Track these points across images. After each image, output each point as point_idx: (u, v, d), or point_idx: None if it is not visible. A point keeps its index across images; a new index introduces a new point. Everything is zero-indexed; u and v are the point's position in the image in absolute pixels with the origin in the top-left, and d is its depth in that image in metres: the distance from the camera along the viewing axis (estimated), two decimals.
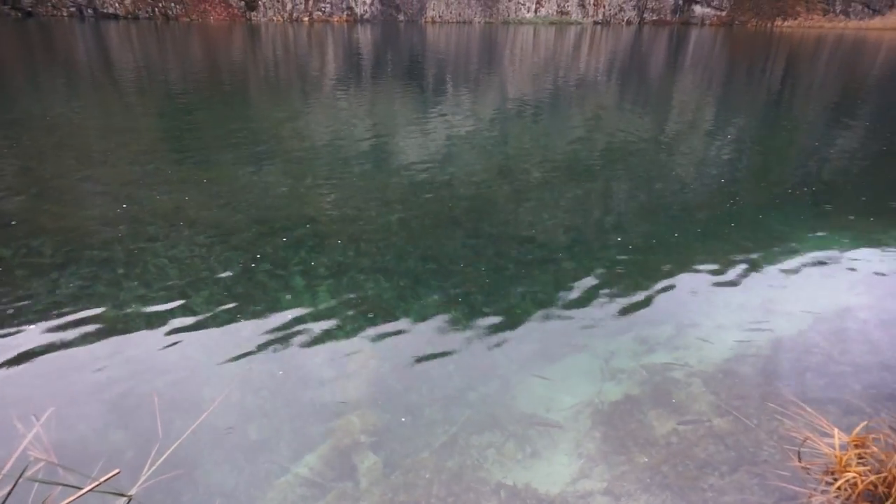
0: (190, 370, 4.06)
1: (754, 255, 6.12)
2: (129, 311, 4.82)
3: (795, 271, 5.77)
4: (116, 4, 54.59)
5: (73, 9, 54.24)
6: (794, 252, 6.22)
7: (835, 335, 4.61)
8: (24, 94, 14.81)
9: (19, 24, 43.52)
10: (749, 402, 3.76)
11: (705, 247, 6.34)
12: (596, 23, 67.49)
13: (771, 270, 5.78)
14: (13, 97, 14.29)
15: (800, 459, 3.24)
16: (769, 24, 68.96)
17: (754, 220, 7.13)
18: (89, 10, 54.47)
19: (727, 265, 5.88)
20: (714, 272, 5.73)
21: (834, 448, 3.09)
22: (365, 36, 41.38)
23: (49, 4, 53.59)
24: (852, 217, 7.29)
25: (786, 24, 68.60)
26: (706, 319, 4.86)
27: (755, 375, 4.06)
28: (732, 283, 5.51)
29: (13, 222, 6.55)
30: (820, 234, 6.74)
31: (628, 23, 68.61)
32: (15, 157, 8.97)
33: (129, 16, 54.92)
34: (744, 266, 5.87)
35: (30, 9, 52.92)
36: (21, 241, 6.08)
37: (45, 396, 3.74)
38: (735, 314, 4.93)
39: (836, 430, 3.17)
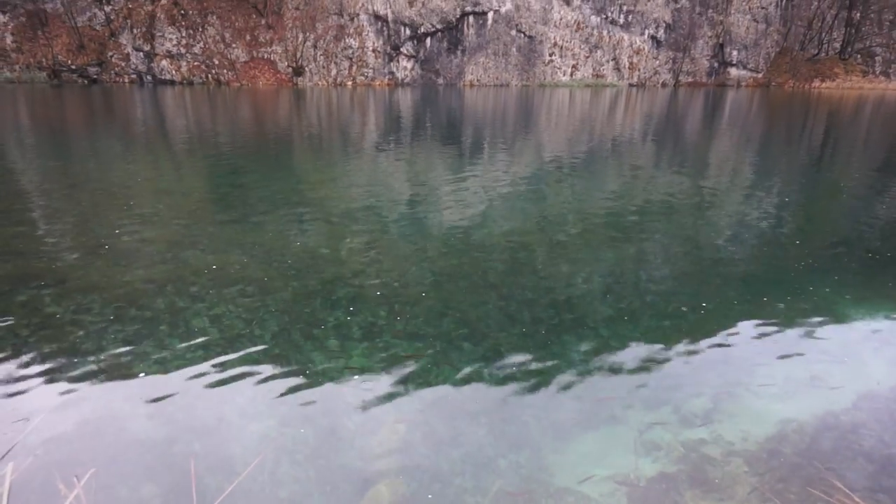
0: (226, 432, 4.14)
1: (799, 324, 5.95)
2: (170, 370, 4.97)
3: (843, 343, 5.57)
4: (173, 71, 58.35)
5: (133, 76, 58.32)
6: (841, 322, 6.02)
7: (887, 416, 4.40)
8: (86, 158, 15.82)
9: (85, 90, 46.84)
10: (791, 487, 3.60)
11: (746, 314, 6.20)
12: (631, 85, 68.62)
13: (817, 341, 5.60)
14: (77, 161, 15.28)
15: None
16: (807, 86, 68.82)
17: (799, 286, 6.96)
18: (148, 77, 58.39)
19: (769, 334, 5.73)
20: (756, 341, 5.59)
21: None
22: (405, 98, 42.97)
23: (112, 72, 57.80)
24: None
25: (824, 84, 68.35)
26: (747, 392, 4.72)
27: (798, 457, 3.90)
28: (775, 354, 5.35)
29: (67, 280, 6.91)
30: (869, 303, 6.52)
31: (663, 85, 69.53)
32: (75, 218, 9.52)
33: (185, 81, 58.54)
34: (787, 335, 5.71)
35: (95, 77, 57.21)
36: (73, 298, 6.39)
37: (87, 456, 3.86)
38: (778, 387, 4.78)
39: None
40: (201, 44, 59.12)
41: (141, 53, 58.36)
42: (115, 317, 5.95)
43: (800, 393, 4.71)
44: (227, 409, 4.41)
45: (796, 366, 5.15)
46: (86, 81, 56.65)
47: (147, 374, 4.90)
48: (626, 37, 67.40)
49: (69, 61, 57.05)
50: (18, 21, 56.58)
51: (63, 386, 4.71)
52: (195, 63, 59.07)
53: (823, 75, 69.37)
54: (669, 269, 7.58)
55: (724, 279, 7.25)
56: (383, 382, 4.83)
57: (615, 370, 5.05)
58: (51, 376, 4.85)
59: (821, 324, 5.99)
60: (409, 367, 5.06)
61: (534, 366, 5.11)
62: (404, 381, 4.86)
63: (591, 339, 5.63)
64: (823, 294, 6.75)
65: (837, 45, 71.70)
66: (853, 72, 69.79)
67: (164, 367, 5.01)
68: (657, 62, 69.12)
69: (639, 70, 69.11)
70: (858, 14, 69.41)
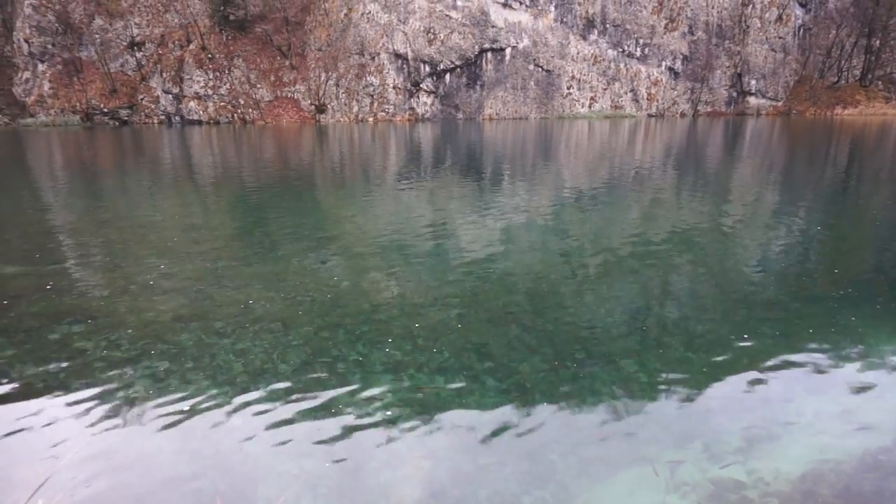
0: (252, 469, 4.14)
1: (830, 358, 5.79)
2: (196, 406, 5.01)
3: (877, 377, 5.40)
4: (200, 112, 60.47)
5: (162, 117, 60.74)
6: (873, 355, 5.84)
7: None
8: (116, 195, 16.32)
9: (116, 131, 48.56)
10: None
11: (775, 347, 6.05)
12: (650, 115, 68.80)
13: (848, 375, 5.44)
14: (108, 198, 15.77)
15: None
16: (828, 113, 68.21)
17: (828, 317, 6.79)
18: (177, 118, 60.65)
19: (800, 368, 5.59)
20: (788, 375, 5.44)
21: None
22: (426, 133, 43.61)
23: (142, 114, 60.36)
24: None
25: (846, 111, 67.65)
26: (779, 429, 4.58)
27: (837, 499, 3.75)
28: (809, 389, 5.20)
29: (98, 316, 7.06)
30: None
31: (682, 115, 69.55)
32: (105, 255, 9.78)
33: (212, 121, 60.50)
34: (818, 369, 5.56)
35: (126, 118, 59.81)
36: (102, 334, 6.52)
37: (115, 494, 3.88)
38: (811, 424, 4.63)
39: None
40: (227, 85, 61.14)
41: (170, 96, 60.66)
42: (142, 353, 6.05)
43: (836, 430, 4.56)
44: (252, 446, 4.42)
45: (831, 402, 5.00)
46: (116, 123, 58.96)
47: (173, 410, 4.95)
48: (643, 69, 67.94)
49: (102, 105, 59.44)
50: (55, 69, 59.32)
51: (91, 422, 4.78)
52: (221, 103, 61.06)
53: (845, 102, 68.78)
54: (697, 301, 7.47)
55: (754, 310, 7.11)
56: (407, 418, 4.80)
57: (643, 405, 4.95)
58: (80, 413, 4.93)
59: (851, 356, 5.82)
60: (433, 403, 5.03)
61: (559, 401, 5.04)
62: (428, 416, 4.83)
63: (618, 373, 5.54)
64: (853, 326, 6.57)
65: (857, 73, 71.25)
66: (875, 98, 69.11)
67: (189, 403, 5.05)
68: (675, 92, 69.36)
69: (657, 101, 69.39)
70: (878, 41, 69.06)
